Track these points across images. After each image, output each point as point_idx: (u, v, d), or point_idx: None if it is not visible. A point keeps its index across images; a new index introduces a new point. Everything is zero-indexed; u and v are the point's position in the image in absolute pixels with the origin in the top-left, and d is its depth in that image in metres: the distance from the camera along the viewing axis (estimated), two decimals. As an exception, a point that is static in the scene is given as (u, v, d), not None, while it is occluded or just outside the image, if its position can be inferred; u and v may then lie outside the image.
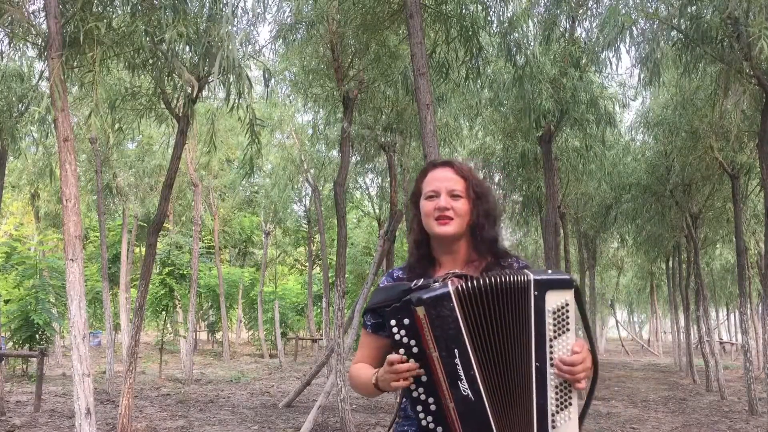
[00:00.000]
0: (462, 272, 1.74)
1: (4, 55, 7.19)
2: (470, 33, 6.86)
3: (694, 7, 7.08)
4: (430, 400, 1.67)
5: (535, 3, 8.41)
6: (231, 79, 6.07)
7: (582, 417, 1.71)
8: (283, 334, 22.88)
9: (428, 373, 1.65)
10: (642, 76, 7.56)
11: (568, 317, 1.63)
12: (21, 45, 6.98)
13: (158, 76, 6.64)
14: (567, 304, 1.63)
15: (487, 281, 1.63)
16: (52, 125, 6.52)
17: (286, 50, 8.55)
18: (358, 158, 10.79)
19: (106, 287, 12.83)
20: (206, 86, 6.95)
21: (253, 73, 8.35)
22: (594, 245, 17.17)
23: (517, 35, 7.33)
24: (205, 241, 19.73)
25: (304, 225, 21.34)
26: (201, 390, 12.56)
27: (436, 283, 1.68)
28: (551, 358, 1.63)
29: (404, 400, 1.81)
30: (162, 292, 14.73)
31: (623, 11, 7.33)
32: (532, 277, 1.63)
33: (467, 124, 11.16)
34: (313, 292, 22.49)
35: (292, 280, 29.79)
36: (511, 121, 10.28)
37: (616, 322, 39.41)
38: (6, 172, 9.87)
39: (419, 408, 1.68)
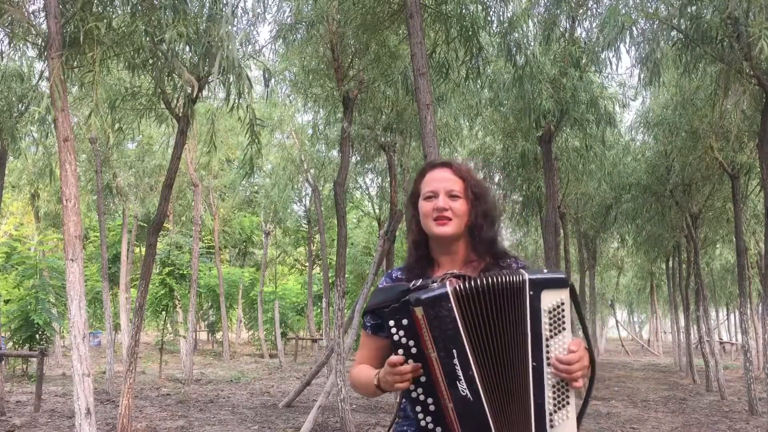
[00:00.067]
0: (460, 272, 1.74)
1: (4, 55, 7.19)
2: (470, 33, 6.86)
3: (694, 7, 7.08)
4: (429, 400, 1.67)
5: (535, 3, 8.41)
6: (231, 79, 6.07)
7: (580, 416, 1.71)
8: (283, 334, 22.88)
9: (427, 373, 1.65)
10: (642, 76, 7.56)
11: (563, 316, 1.63)
12: (21, 45, 6.98)
13: (158, 76, 6.64)
14: (562, 303, 1.63)
15: (484, 281, 1.64)
16: (52, 125, 6.52)
17: (286, 50, 8.55)
18: (358, 158, 10.79)
19: (106, 287, 12.83)
20: (206, 86, 6.95)
21: (253, 73, 8.36)
22: (594, 245, 17.18)
23: (517, 35, 7.33)
24: (205, 241, 19.74)
25: (304, 225, 21.35)
26: (201, 390, 12.56)
27: (435, 284, 1.68)
28: (548, 358, 1.63)
29: (404, 400, 1.82)
30: (162, 292, 14.73)
31: (623, 11, 7.33)
32: (527, 276, 1.64)
33: (467, 124, 11.16)
34: (313, 292, 22.49)
35: (292, 280, 29.79)
36: (511, 121, 10.28)
37: (616, 322, 39.41)
38: (6, 172, 9.87)
39: (418, 408, 1.69)
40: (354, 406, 9.96)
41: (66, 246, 5.09)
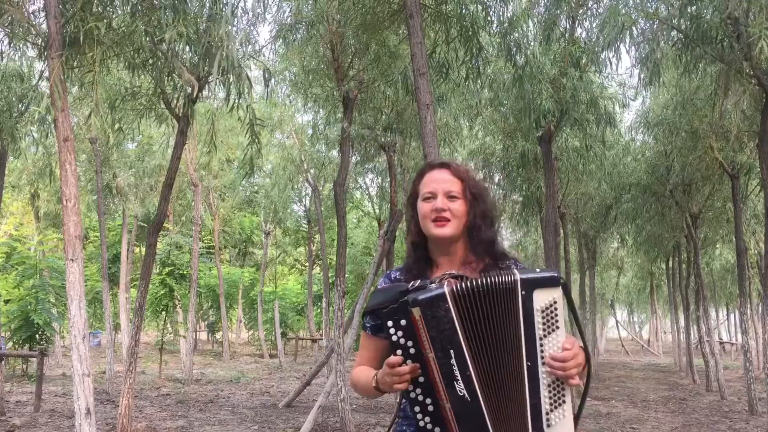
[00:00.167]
0: (459, 273, 1.74)
1: (4, 55, 7.19)
2: (470, 33, 6.85)
3: (694, 7, 7.08)
4: (428, 400, 1.67)
5: (535, 3, 8.40)
6: (231, 79, 6.08)
7: (578, 414, 1.71)
8: (283, 334, 22.88)
9: (425, 374, 1.65)
10: (642, 76, 7.55)
11: (556, 315, 1.64)
12: (21, 45, 6.98)
13: (158, 76, 6.64)
14: (555, 302, 1.63)
15: (479, 282, 1.64)
16: (52, 125, 6.51)
17: (286, 50, 8.55)
18: (358, 158, 10.79)
19: (106, 287, 12.82)
20: (206, 86, 6.96)
21: (253, 73, 8.35)
22: (594, 245, 17.16)
23: (517, 35, 7.32)
24: (205, 241, 19.74)
25: (304, 225, 21.36)
26: (201, 390, 12.56)
27: (433, 284, 1.69)
28: (542, 357, 1.63)
29: (404, 400, 1.82)
30: (162, 292, 14.74)
31: (623, 11, 7.32)
32: (518, 276, 1.64)
33: (467, 124, 11.15)
34: (313, 292, 22.49)
35: (292, 280, 29.80)
36: (511, 121, 10.27)
37: (616, 322, 39.44)
38: (6, 172, 9.86)
39: (417, 408, 1.69)
40: (354, 406, 9.96)
41: (66, 246, 5.09)
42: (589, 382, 1.73)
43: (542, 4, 8.47)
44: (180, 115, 7.24)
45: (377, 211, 14.92)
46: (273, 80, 8.91)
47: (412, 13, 5.56)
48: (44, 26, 5.62)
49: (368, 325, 1.91)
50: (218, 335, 27.59)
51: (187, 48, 6.29)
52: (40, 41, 6.13)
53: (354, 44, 8.07)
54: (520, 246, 21.32)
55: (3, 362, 9.75)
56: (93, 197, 15.54)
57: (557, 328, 1.64)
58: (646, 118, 12.07)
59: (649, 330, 40.89)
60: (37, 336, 13.12)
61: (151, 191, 15.07)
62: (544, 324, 1.63)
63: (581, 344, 1.69)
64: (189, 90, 6.84)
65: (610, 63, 10.53)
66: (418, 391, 1.68)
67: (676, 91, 10.47)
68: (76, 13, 5.49)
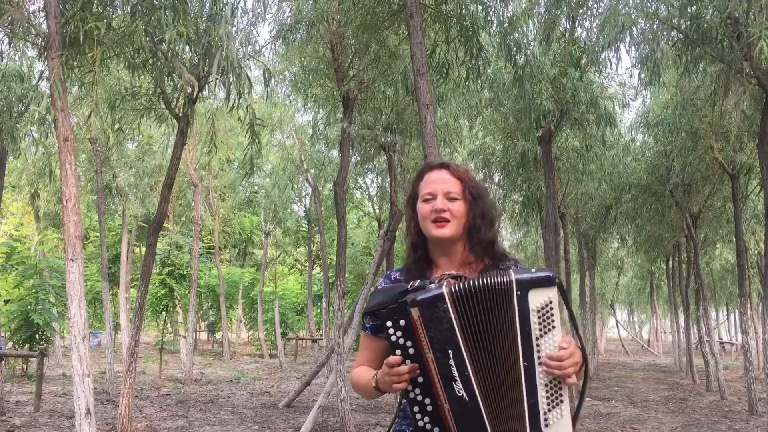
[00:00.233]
0: (458, 273, 1.75)
1: (4, 55, 7.19)
2: (470, 33, 6.85)
3: (694, 7, 7.08)
4: (427, 401, 1.68)
5: (535, 3, 8.39)
6: (231, 79, 6.07)
7: (576, 413, 1.71)
8: (283, 334, 22.87)
9: (424, 374, 1.66)
10: (642, 76, 7.56)
11: (552, 315, 1.64)
12: (21, 45, 6.98)
13: (158, 76, 6.64)
14: (551, 302, 1.64)
15: (475, 282, 1.64)
16: (52, 125, 6.52)
17: (286, 50, 8.55)
18: (358, 158, 10.79)
19: (106, 287, 12.81)
20: (206, 86, 6.96)
21: (253, 73, 8.36)
22: (594, 245, 17.16)
23: (517, 35, 7.32)
24: (205, 241, 19.73)
25: (304, 225, 21.35)
26: (201, 390, 12.56)
27: (432, 285, 1.69)
28: (539, 357, 1.63)
29: (404, 400, 1.82)
30: (162, 292, 14.74)
31: (623, 11, 7.32)
32: (513, 277, 1.64)
33: (467, 124, 11.15)
34: (313, 292, 22.48)
35: (292, 280, 29.79)
36: (511, 121, 10.27)
37: (616, 322, 39.41)
38: (6, 172, 9.86)
39: (416, 409, 1.69)
40: (354, 406, 9.96)
41: (66, 246, 5.09)
42: (586, 381, 1.73)
43: (542, 4, 8.46)
44: (180, 115, 7.24)
45: (377, 211, 14.92)
46: (273, 80, 8.92)
47: (412, 13, 5.56)
48: (44, 26, 5.62)
49: (368, 326, 1.91)
50: (218, 335, 27.59)
51: (187, 48, 6.30)
52: (40, 41, 6.13)
53: (354, 44, 8.07)
54: (520, 246, 21.33)
55: (3, 362, 9.75)
56: (93, 197, 15.54)
57: (553, 327, 1.64)
58: (646, 118, 12.07)
59: (649, 330, 40.92)
60: (37, 336, 13.12)
61: (151, 191, 15.06)
62: (540, 324, 1.63)
63: (578, 343, 1.69)
64: (189, 90, 6.84)
65: (610, 63, 10.55)
66: (417, 391, 1.68)
67: (676, 91, 10.47)
68: (76, 13, 5.49)
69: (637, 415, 10.27)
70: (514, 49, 7.22)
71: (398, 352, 1.66)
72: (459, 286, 1.64)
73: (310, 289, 21.04)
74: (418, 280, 1.75)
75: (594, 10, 8.79)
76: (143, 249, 16.54)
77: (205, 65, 6.06)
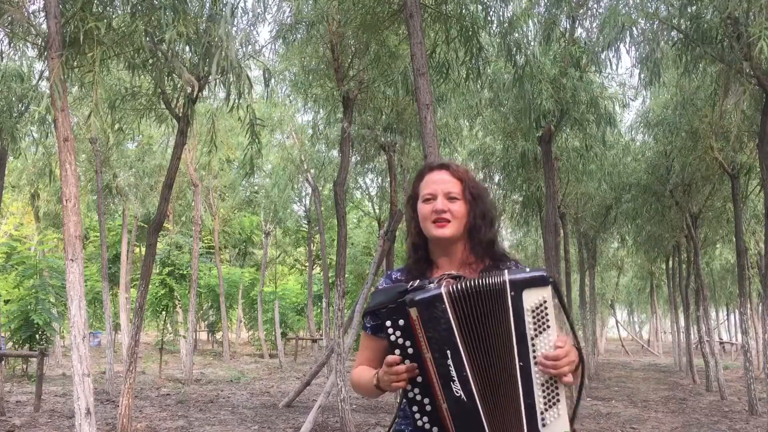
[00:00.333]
0: (457, 273, 1.75)
1: (4, 55, 7.19)
2: (470, 33, 6.85)
3: (694, 7, 7.09)
4: (426, 400, 1.68)
5: (535, 3, 8.40)
6: (231, 79, 6.08)
7: (574, 411, 1.71)
8: (283, 334, 22.88)
9: (423, 374, 1.67)
10: (642, 76, 7.56)
11: (547, 314, 1.64)
12: (21, 45, 6.98)
13: (158, 76, 6.64)
14: (545, 302, 1.64)
15: (471, 283, 1.65)
16: (52, 125, 6.52)
17: (286, 50, 8.54)
18: (358, 158, 10.79)
19: (106, 287, 12.81)
20: (206, 86, 6.96)
21: (253, 73, 8.35)
22: (594, 245, 17.16)
23: (517, 35, 7.32)
24: (205, 241, 19.73)
25: (304, 225, 21.35)
26: (201, 390, 12.56)
27: (431, 285, 1.69)
28: (534, 357, 1.63)
29: (404, 400, 1.83)
30: (162, 292, 14.74)
31: (623, 11, 7.32)
32: (507, 277, 1.64)
33: (467, 124, 11.15)
34: (313, 292, 22.48)
35: (292, 280, 29.79)
36: (511, 121, 10.27)
37: (616, 322, 39.42)
38: (6, 172, 9.86)
39: (415, 408, 1.70)
40: (354, 406, 9.96)
41: (66, 246, 5.09)
42: (583, 380, 1.73)
43: (542, 4, 8.46)
44: (180, 115, 7.24)
45: (377, 211, 14.92)
46: (273, 80, 8.91)
47: (412, 13, 5.55)
48: (44, 26, 5.62)
49: (368, 326, 1.92)
50: (218, 335, 27.59)
51: (187, 48, 6.30)
52: (40, 41, 6.13)
53: (354, 44, 8.07)
54: (520, 246, 21.33)
55: (3, 362, 9.75)
56: (93, 197, 15.54)
57: (548, 327, 1.64)
58: (646, 118, 12.07)
59: (649, 330, 40.91)
60: (37, 336, 13.12)
61: (151, 191, 15.06)
62: (534, 323, 1.64)
63: (574, 343, 1.69)
64: (189, 90, 6.84)
65: (610, 63, 10.55)
66: (416, 390, 1.69)
67: (676, 91, 10.47)
68: (76, 13, 5.49)
69: (637, 415, 10.27)
70: (514, 49, 7.23)
71: (397, 351, 1.67)
72: (457, 287, 1.64)
73: (310, 289, 21.04)
74: (418, 280, 1.75)
75: (594, 10, 8.80)
76: (143, 249, 16.54)
77: (205, 65, 6.06)
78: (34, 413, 9.06)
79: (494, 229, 1.92)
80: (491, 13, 7.24)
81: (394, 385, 1.68)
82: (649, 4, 7.63)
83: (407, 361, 1.66)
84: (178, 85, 6.99)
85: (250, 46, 7.75)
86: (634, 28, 7.28)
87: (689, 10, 7.07)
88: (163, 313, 14.98)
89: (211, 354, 24.03)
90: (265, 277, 23.92)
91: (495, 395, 1.65)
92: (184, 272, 15.02)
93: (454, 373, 1.63)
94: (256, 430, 8.34)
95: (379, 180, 13.58)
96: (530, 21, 7.94)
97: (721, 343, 24.78)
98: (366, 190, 15.48)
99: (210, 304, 25.83)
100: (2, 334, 11.94)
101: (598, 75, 9.98)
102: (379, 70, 8.05)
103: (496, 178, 12.75)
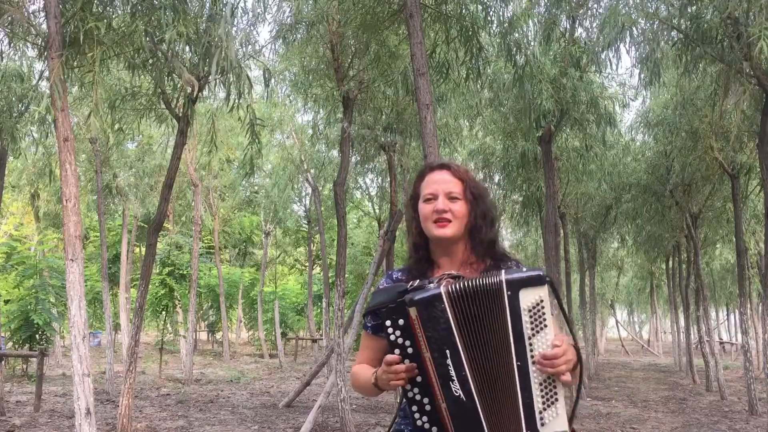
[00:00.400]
0: (457, 273, 1.76)
1: (4, 55, 7.19)
2: (470, 33, 6.85)
3: (694, 7, 7.08)
4: (425, 400, 1.69)
5: (535, 3, 8.40)
6: (231, 79, 6.08)
7: (573, 411, 1.72)
8: (283, 334, 22.88)
9: (422, 373, 1.67)
10: (642, 76, 7.56)
11: (544, 314, 1.64)
12: (21, 45, 6.98)
13: (158, 76, 6.64)
14: (542, 301, 1.64)
15: (471, 283, 1.65)
16: (52, 125, 6.52)
17: (286, 50, 8.54)
18: (358, 158, 10.78)
19: (106, 287, 12.80)
20: (206, 86, 6.96)
21: (253, 73, 8.35)
22: (594, 245, 17.16)
23: (517, 35, 7.32)
24: (205, 241, 19.73)
25: (304, 225, 21.34)
26: (201, 390, 12.56)
27: (431, 284, 1.70)
28: (532, 356, 1.64)
29: (404, 399, 1.83)
30: (162, 292, 14.74)
31: (623, 11, 7.32)
32: (503, 277, 1.65)
33: (467, 124, 11.15)
34: (313, 292, 22.48)
35: (292, 280, 29.78)
36: (511, 121, 10.27)
37: (616, 322, 39.42)
38: (6, 172, 9.86)
39: (414, 408, 1.70)
40: (354, 406, 9.96)
41: (66, 246, 5.09)
42: (582, 379, 1.73)
43: (542, 4, 8.46)
44: (180, 115, 7.24)
45: (377, 211, 14.92)
46: (273, 80, 8.91)
47: (412, 13, 5.55)
48: (44, 26, 5.62)
49: (369, 325, 1.92)
50: (218, 335, 27.58)
51: (187, 48, 6.30)
52: (40, 41, 6.13)
53: (354, 44, 8.06)
54: (520, 246, 21.33)
55: (3, 362, 9.75)
56: (93, 197, 15.54)
57: (545, 326, 1.65)
58: (646, 118, 12.07)
59: (649, 330, 40.92)
60: (37, 336, 13.12)
61: (151, 191, 15.06)
62: (532, 323, 1.64)
63: (572, 342, 1.69)
64: (189, 90, 6.84)
65: (610, 63, 10.55)
66: (416, 390, 1.69)
67: (676, 91, 10.47)
68: (76, 13, 5.49)
69: (637, 415, 10.27)
70: (514, 49, 7.22)
71: (397, 351, 1.67)
72: (456, 287, 1.65)
73: (310, 289, 21.04)
74: (418, 280, 1.76)
75: (594, 10, 8.80)
76: (143, 249, 16.54)
77: (205, 65, 6.06)
78: (34, 413, 9.06)
79: (495, 229, 1.92)
80: (491, 13, 7.25)
81: (392, 384, 1.69)
82: (649, 4, 7.63)
83: (407, 361, 1.66)
84: (178, 85, 6.99)
85: (250, 46, 7.76)
86: (634, 28, 7.28)
87: (689, 10, 7.07)
88: (163, 313, 14.98)
89: (211, 354, 24.03)
90: (265, 277, 23.92)
91: (494, 394, 1.65)
92: (184, 272, 15.02)
93: (453, 373, 1.64)
94: (256, 430, 8.34)
95: (379, 180, 13.58)
96: (530, 21, 7.94)
97: (721, 343, 24.78)
98: (366, 190, 15.48)
99: (210, 304, 25.83)
100: (2, 334, 11.94)
101: (598, 75, 9.98)
102: (379, 70, 8.05)
103: (496, 178, 12.76)
